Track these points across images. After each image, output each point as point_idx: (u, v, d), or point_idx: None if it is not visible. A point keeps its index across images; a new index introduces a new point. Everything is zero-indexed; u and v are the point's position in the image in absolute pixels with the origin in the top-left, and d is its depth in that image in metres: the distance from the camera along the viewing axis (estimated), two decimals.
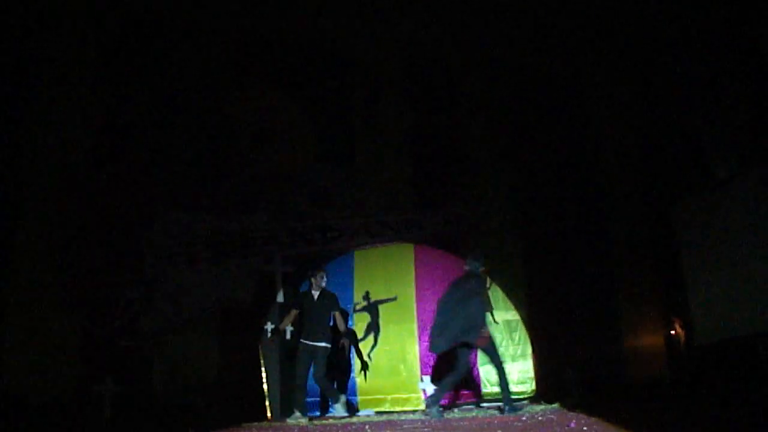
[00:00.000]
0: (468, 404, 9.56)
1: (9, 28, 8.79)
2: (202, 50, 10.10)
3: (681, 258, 10.02)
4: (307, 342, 8.12)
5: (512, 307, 10.25)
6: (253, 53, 10.31)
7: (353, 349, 9.88)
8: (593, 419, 5.58)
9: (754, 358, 8.23)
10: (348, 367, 9.81)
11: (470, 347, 7.66)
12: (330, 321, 8.37)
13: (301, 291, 8.84)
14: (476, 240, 10.45)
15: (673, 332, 10.13)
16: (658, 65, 10.52)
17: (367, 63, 10.89)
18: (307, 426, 7.05)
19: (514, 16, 10.50)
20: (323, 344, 8.13)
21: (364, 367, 9.91)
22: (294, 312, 8.43)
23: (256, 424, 7.30)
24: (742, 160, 8.84)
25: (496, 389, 9.80)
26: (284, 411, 8.80)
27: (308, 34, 10.48)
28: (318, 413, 9.24)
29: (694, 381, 9.13)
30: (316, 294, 8.31)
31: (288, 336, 9.04)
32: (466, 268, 7.97)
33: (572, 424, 5.31)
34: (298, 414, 7.85)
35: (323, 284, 8.37)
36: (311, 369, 8.10)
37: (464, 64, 11.23)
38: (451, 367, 7.85)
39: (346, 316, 9.37)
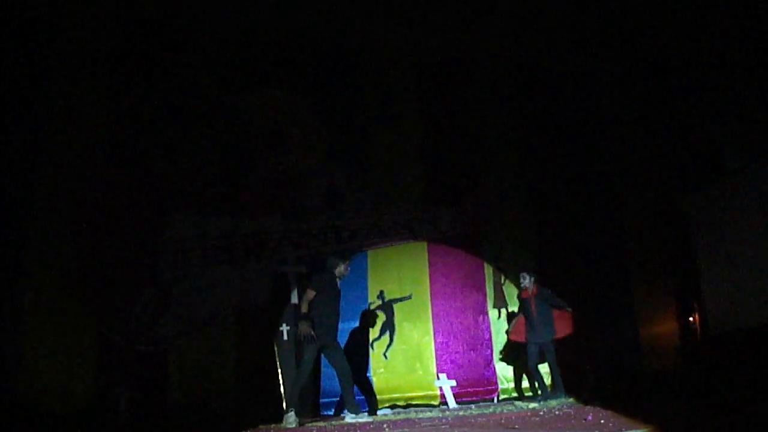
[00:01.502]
0: (485, 401, 9.57)
1: (22, 30, 8.83)
2: (215, 51, 10.12)
3: (695, 249, 9.99)
4: (324, 337, 7.56)
5: None
6: (266, 53, 10.33)
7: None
8: (609, 412, 5.58)
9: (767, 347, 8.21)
10: (364, 366, 9.85)
11: None
12: None
13: (321, 275, 7.99)
14: (489, 235, 10.49)
15: (689, 322, 10.09)
16: (669, 57, 10.49)
17: (379, 60, 10.88)
18: (325, 426, 7.08)
19: (527, 11, 10.45)
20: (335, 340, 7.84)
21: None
22: (312, 293, 7.61)
23: (273, 425, 7.32)
24: (754, 151, 8.83)
25: (512, 385, 9.88)
26: (302, 411, 8.83)
27: (320, 32, 10.48)
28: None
29: (708, 371, 9.09)
30: (339, 283, 7.91)
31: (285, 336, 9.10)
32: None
33: (589, 418, 5.32)
34: (292, 414, 7.20)
35: (346, 275, 8.09)
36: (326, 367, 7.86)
37: (477, 59, 11.21)
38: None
39: None
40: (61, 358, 8.28)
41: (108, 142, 9.38)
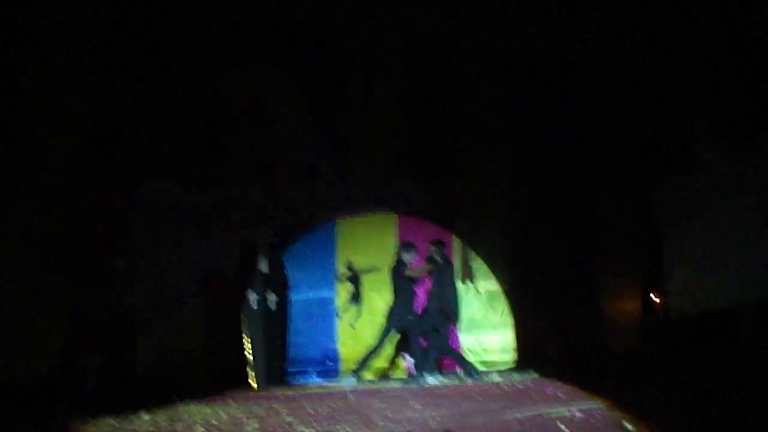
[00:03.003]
0: (451, 373, 9.70)
1: None
2: (195, 25, 10.00)
3: (663, 235, 10.13)
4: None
5: (494, 277, 10.39)
6: (245, 27, 10.23)
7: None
8: (569, 387, 5.71)
9: (728, 331, 8.39)
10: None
11: None
12: None
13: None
14: (460, 211, 10.56)
15: (651, 304, 10.26)
16: (646, 47, 10.56)
17: (359, 36, 10.81)
18: (292, 394, 7.17)
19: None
20: None
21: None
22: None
23: (239, 393, 7.40)
24: (727, 141, 8.94)
25: (477, 359, 10.03)
26: (270, 380, 8.94)
27: (300, 8, 10.39)
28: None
29: (669, 351, 9.30)
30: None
31: (274, 307, 9.19)
32: None
33: (548, 391, 5.45)
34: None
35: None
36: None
37: (459, 40, 11.18)
38: None
39: None
40: (28, 328, 8.24)
41: (81, 112, 9.28)
